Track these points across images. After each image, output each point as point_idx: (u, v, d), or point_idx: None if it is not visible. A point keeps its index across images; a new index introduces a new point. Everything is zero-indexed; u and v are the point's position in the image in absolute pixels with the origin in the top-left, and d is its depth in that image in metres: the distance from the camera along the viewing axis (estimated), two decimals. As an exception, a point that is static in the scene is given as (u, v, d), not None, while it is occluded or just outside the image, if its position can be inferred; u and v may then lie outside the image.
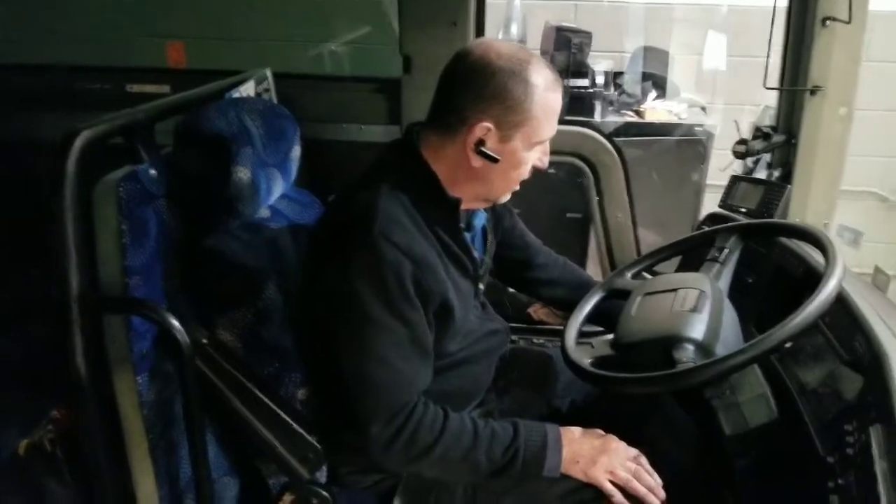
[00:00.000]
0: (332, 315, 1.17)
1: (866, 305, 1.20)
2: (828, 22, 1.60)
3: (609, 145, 1.86)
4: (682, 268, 1.75)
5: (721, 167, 2.03)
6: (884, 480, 0.85)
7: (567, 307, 1.60)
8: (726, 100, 3.25)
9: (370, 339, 1.13)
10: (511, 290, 1.96)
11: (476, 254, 1.33)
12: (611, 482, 1.20)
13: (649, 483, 1.21)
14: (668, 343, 1.19)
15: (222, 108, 1.31)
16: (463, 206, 1.25)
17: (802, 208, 1.73)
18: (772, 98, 1.89)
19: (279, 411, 1.18)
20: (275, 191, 1.45)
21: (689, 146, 2.87)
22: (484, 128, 1.14)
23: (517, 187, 1.27)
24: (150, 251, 1.14)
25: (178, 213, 1.21)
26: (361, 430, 1.14)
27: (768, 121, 1.91)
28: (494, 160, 1.16)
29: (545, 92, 1.16)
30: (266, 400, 1.18)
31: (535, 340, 1.88)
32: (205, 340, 1.19)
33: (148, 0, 2.46)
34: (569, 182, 2.76)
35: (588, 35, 2.89)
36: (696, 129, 2.91)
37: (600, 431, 1.26)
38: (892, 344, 1.08)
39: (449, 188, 1.22)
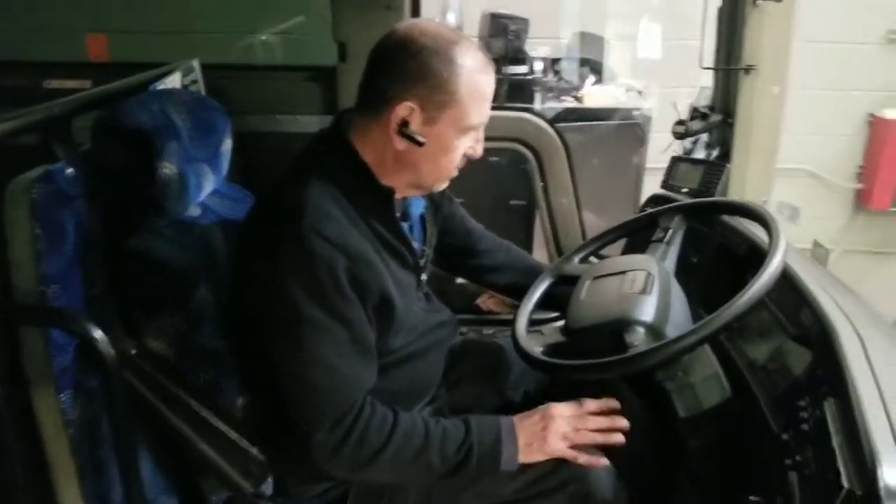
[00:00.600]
0: (265, 317, 1.11)
1: (810, 279, 1.21)
2: (758, 1, 1.62)
3: (551, 130, 1.84)
4: (627, 251, 1.75)
5: (661, 149, 2.03)
6: (842, 455, 0.84)
7: (515, 293, 1.57)
8: (662, 83, 3.28)
9: (306, 340, 1.08)
10: (458, 280, 1.93)
11: (415, 244, 1.29)
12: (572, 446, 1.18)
13: (601, 426, 1.19)
14: (619, 326, 1.17)
15: (144, 101, 1.23)
16: (397, 195, 1.21)
17: (741, 186, 1.75)
18: (707, 79, 1.90)
19: (218, 422, 1.12)
20: (205, 187, 1.38)
21: (628, 129, 2.89)
22: (407, 107, 1.10)
23: (453, 174, 1.22)
24: (68, 256, 1.05)
25: (99, 215, 1.13)
26: (305, 436, 1.08)
27: (705, 102, 1.92)
28: (419, 143, 1.12)
29: (473, 73, 1.11)
30: (203, 411, 1.12)
31: (484, 331, 1.85)
32: (133, 351, 1.11)
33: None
34: (512, 169, 2.76)
35: (525, 21, 2.88)
36: (635, 112, 2.94)
37: (540, 406, 1.22)
38: (838, 317, 1.09)
39: (379, 176, 1.17)
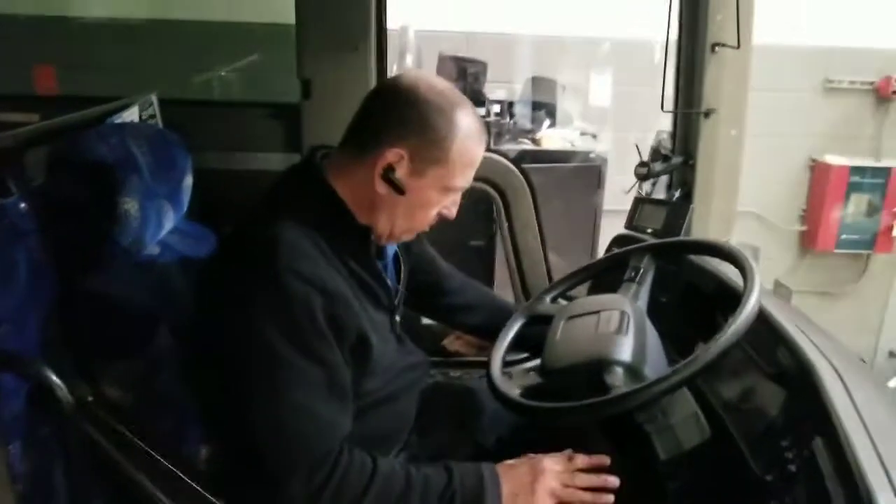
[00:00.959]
0: (236, 360, 1.05)
1: (783, 317, 1.22)
2: (717, 48, 1.67)
3: (517, 170, 1.84)
4: (592, 291, 1.75)
5: (616, 191, 2.06)
6: (838, 496, 0.83)
7: (485, 333, 1.55)
8: (614, 127, 3.36)
9: (283, 383, 1.02)
10: (424, 321, 1.88)
11: (390, 283, 1.25)
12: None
13: (591, 484, 1.15)
14: (597, 366, 1.15)
15: (104, 134, 1.18)
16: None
17: (704, 226, 1.78)
18: (663, 123, 1.95)
19: (180, 474, 1.04)
20: (165, 224, 1.32)
21: (586, 171, 2.93)
22: (397, 154, 1.08)
23: (423, 229, 1.22)
24: (20, 296, 0.98)
25: (54, 252, 1.06)
26: (280, 487, 1.01)
27: (663, 144, 1.96)
28: (400, 191, 1.10)
29: (467, 139, 1.11)
30: (164, 462, 1.03)
31: (451, 374, 1.81)
32: (90, 398, 1.03)
33: (12, 19, 2.22)
34: (471, 209, 2.75)
35: (483, 65, 2.92)
36: (592, 155, 2.99)
37: (529, 456, 1.19)
38: (814, 354, 1.09)
39: (356, 216, 1.14)
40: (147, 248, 1.26)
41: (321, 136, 1.20)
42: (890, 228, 3.41)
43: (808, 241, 3.59)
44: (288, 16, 1.75)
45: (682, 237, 1.69)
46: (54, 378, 0.91)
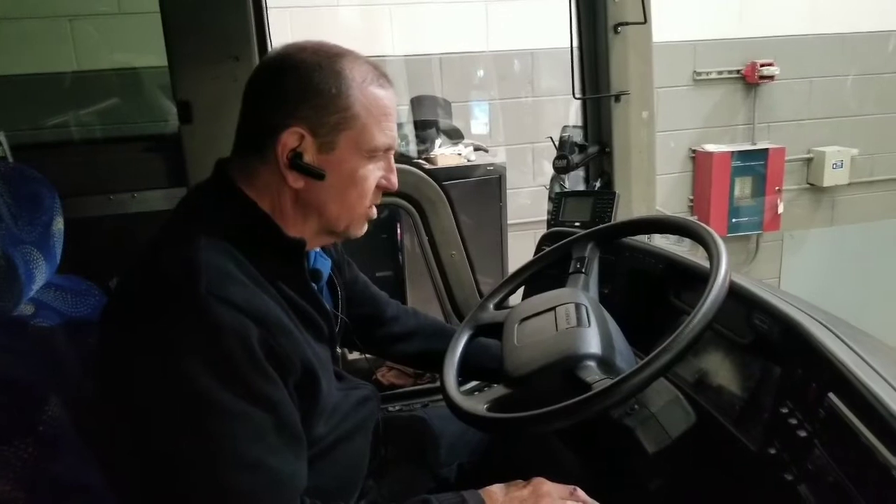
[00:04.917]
0: (159, 419, 0.84)
1: (751, 285, 1.15)
2: (619, 28, 1.64)
3: (432, 181, 1.72)
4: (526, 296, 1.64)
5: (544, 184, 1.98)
6: (877, 447, 0.74)
7: (427, 361, 1.39)
8: (505, 140, 3.35)
9: (222, 435, 0.82)
10: (351, 356, 1.71)
11: (329, 309, 1.08)
12: None
13: None
14: (568, 364, 1.04)
15: (-56, 171, 0.94)
16: (307, 248, 1.01)
17: (628, 212, 1.73)
18: (552, 131, 1.90)
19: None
20: (37, 277, 1.08)
21: (487, 185, 2.88)
22: (295, 134, 0.92)
23: (370, 213, 1.04)
24: None
25: None
26: None
27: (570, 137, 1.91)
28: (319, 175, 0.93)
29: (366, 85, 0.94)
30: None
31: (389, 409, 1.64)
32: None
33: None
34: (374, 239, 2.64)
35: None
36: (489, 168, 2.94)
37: (522, 481, 1.05)
38: (795, 312, 1.03)
39: (283, 227, 0.97)
40: (18, 306, 1.02)
41: (208, 163, 1.02)
42: (775, 207, 3.58)
43: (700, 230, 3.70)
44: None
45: (624, 219, 1.62)
46: None
